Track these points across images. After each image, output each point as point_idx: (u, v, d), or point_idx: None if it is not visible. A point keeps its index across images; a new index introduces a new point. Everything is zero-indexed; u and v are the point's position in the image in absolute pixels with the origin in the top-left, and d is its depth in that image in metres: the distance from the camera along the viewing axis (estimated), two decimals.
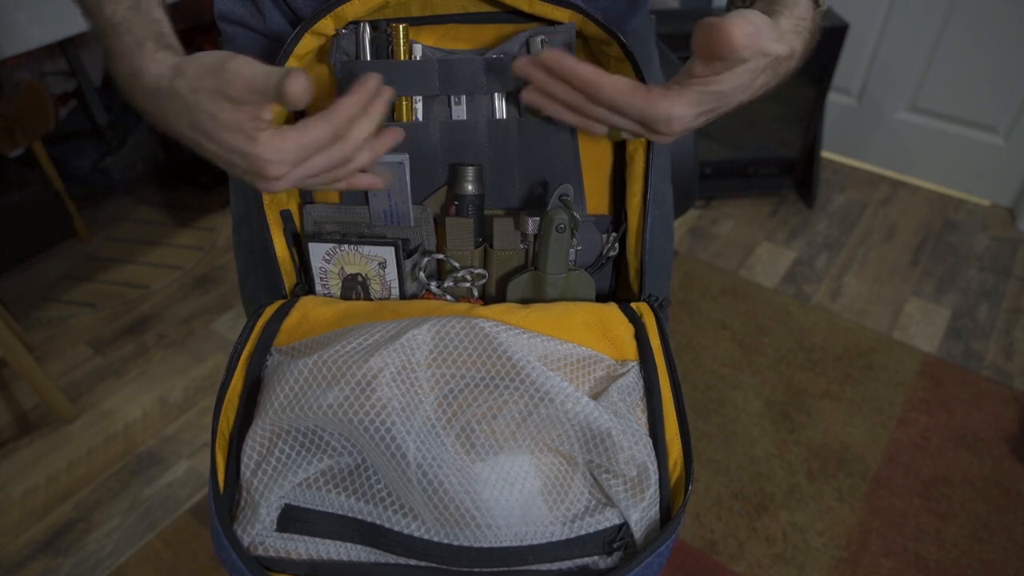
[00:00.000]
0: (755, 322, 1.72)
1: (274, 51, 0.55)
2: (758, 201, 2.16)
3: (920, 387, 1.55)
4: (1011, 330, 1.70)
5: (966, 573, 1.21)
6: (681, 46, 1.83)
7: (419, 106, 0.51)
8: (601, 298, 0.57)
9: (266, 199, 0.51)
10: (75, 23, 1.46)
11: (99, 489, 1.39)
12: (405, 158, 0.51)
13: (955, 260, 1.92)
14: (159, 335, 1.75)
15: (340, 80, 0.50)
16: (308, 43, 0.48)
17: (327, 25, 0.47)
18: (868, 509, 1.32)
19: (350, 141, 0.43)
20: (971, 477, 1.36)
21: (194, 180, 2.27)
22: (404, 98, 0.51)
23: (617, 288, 0.59)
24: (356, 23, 0.49)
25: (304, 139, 0.41)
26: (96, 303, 1.85)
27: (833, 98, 2.23)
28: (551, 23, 0.49)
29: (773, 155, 2.10)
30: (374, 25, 0.49)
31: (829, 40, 1.82)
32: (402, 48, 0.49)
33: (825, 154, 2.35)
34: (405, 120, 0.51)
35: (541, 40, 0.49)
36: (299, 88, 0.38)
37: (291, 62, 0.47)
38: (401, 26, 0.48)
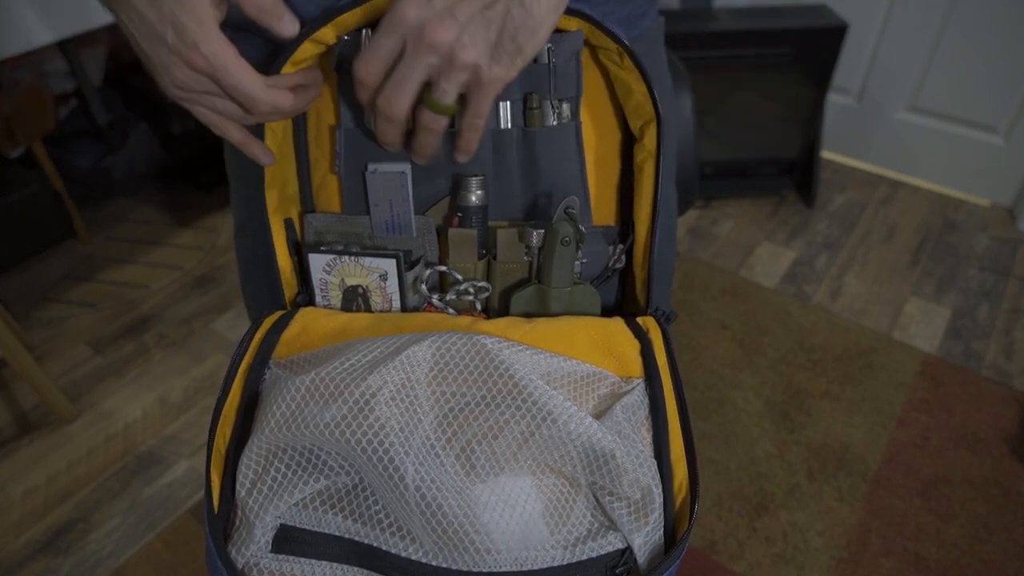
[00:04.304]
0: (755, 322, 1.72)
1: (274, 56, 0.54)
2: (758, 201, 2.16)
3: (920, 387, 1.55)
4: (1011, 330, 1.69)
5: (966, 573, 1.22)
6: (681, 46, 1.82)
7: None
8: (607, 310, 0.56)
9: (270, 206, 0.50)
10: (75, 23, 1.45)
11: (99, 489, 1.39)
12: (407, 168, 0.51)
13: (955, 260, 1.91)
14: (159, 335, 1.74)
15: (341, 87, 0.49)
16: (307, 50, 0.47)
17: (327, 33, 0.46)
18: (868, 509, 1.32)
19: (254, 113, 0.44)
20: (971, 477, 1.36)
21: (194, 180, 2.27)
22: None
23: (623, 300, 0.59)
24: (358, 29, 0.48)
25: (235, 67, 0.42)
26: (96, 303, 1.84)
27: (833, 98, 2.23)
28: (558, 31, 0.48)
29: (773, 155, 2.10)
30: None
31: (829, 40, 1.81)
32: None
33: (825, 154, 2.34)
34: None
35: (548, 48, 0.48)
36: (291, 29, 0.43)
37: (288, 68, 0.47)
38: None
